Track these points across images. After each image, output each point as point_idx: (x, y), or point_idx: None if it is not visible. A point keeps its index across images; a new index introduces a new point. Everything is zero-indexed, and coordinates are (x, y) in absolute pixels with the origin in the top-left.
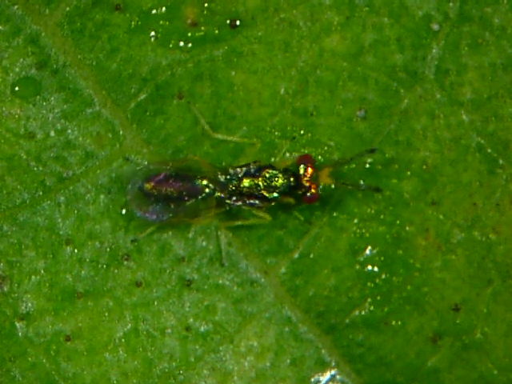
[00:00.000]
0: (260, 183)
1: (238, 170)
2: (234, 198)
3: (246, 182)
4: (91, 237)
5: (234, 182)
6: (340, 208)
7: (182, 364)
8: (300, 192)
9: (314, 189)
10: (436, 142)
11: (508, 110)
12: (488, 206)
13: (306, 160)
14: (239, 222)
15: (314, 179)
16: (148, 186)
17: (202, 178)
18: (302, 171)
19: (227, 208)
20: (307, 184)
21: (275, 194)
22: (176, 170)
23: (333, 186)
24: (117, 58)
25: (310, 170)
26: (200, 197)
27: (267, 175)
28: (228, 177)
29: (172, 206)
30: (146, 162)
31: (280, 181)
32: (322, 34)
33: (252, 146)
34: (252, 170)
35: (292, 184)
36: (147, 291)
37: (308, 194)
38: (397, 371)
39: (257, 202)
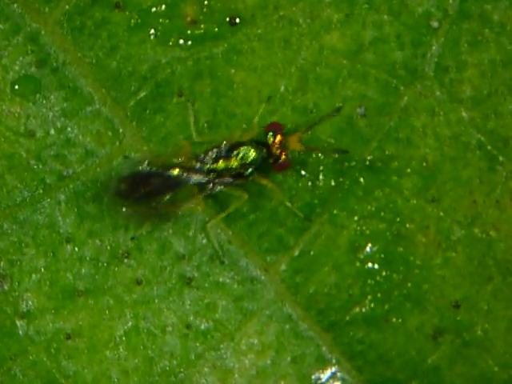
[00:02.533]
0: (234, 162)
1: (210, 153)
2: (212, 182)
3: (220, 164)
4: (91, 235)
5: (209, 166)
6: (340, 205)
7: (182, 362)
8: (271, 161)
9: (285, 155)
10: (436, 139)
11: (508, 106)
12: (488, 203)
13: (274, 128)
14: (222, 215)
15: (284, 146)
16: (124, 186)
17: (173, 168)
18: (271, 139)
19: (209, 192)
20: (277, 152)
21: (250, 169)
22: (149, 166)
23: (302, 153)
24: (116, 56)
25: (278, 137)
26: (178, 188)
27: (240, 154)
28: (201, 162)
29: (153, 202)
30: (127, 156)
31: (253, 155)
32: (321, 31)
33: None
34: (224, 151)
35: (265, 155)
36: (147, 289)
37: (279, 162)
38: (397, 368)
39: (234, 180)
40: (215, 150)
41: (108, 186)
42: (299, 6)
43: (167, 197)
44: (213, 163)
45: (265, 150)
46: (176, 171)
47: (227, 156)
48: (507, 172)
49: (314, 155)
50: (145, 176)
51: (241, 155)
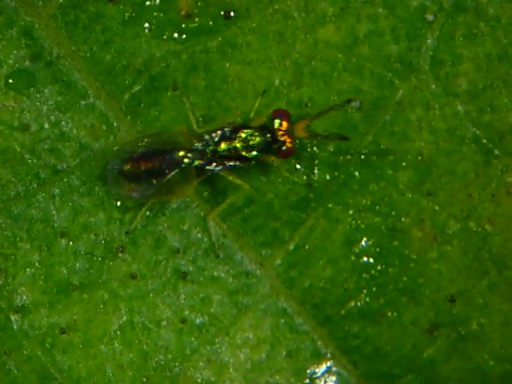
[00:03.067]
0: (237, 145)
1: (214, 134)
2: (214, 164)
3: (223, 145)
4: (86, 229)
5: (212, 148)
6: (335, 199)
7: (177, 356)
8: (275, 147)
9: (290, 143)
10: (431, 132)
11: (503, 100)
12: (484, 196)
13: (281, 114)
14: (223, 205)
15: (289, 133)
16: (126, 166)
17: (179, 150)
18: (276, 125)
19: (209, 174)
20: (282, 138)
21: (254, 153)
22: (151, 145)
23: (307, 140)
24: (111, 49)
25: (284, 124)
26: (180, 168)
27: (243, 135)
28: (204, 143)
29: (154, 182)
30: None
31: (257, 138)
32: (316, 24)
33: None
34: (228, 133)
35: (269, 140)
36: (142, 283)
37: (283, 148)
38: (393, 362)
39: (237, 163)
40: (219, 132)
41: (110, 164)
42: None
43: (168, 176)
44: (215, 145)
45: (269, 135)
46: (181, 152)
47: (230, 137)
48: (503, 166)
49: (308, 149)
50: (149, 154)
51: (244, 137)
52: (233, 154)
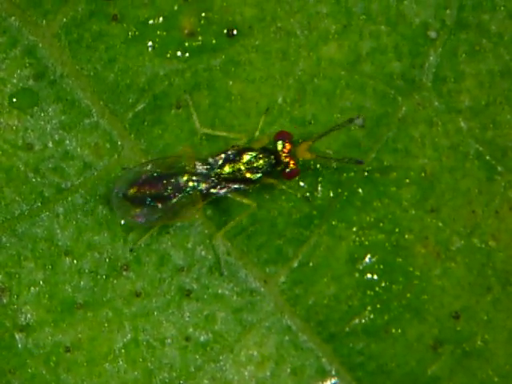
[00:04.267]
0: (242, 167)
1: (217, 157)
2: (219, 187)
3: (227, 168)
4: (90, 247)
5: (216, 171)
6: (339, 216)
7: (182, 374)
8: (279, 168)
9: (293, 164)
10: (434, 149)
11: (506, 116)
12: (487, 213)
13: (283, 136)
14: (231, 224)
15: (293, 154)
16: (132, 190)
17: (183, 174)
18: (279, 147)
19: (214, 197)
20: (286, 160)
21: (258, 175)
22: (156, 169)
23: (312, 162)
24: (114, 68)
25: (287, 146)
26: (185, 192)
27: (247, 157)
28: (208, 166)
29: (159, 206)
30: (125, 167)
31: (261, 161)
32: (319, 42)
33: (239, 140)
34: (231, 156)
35: (273, 162)
36: (147, 301)
37: (287, 170)
38: (397, 379)
39: (242, 185)
40: (223, 155)
41: (115, 189)
42: (297, 17)
43: (174, 201)
44: (220, 168)
45: (273, 157)
46: (186, 177)
47: (234, 160)
48: (506, 182)
49: (312, 166)
50: (154, 178)
51: (248, 159)
52: (237, 177)
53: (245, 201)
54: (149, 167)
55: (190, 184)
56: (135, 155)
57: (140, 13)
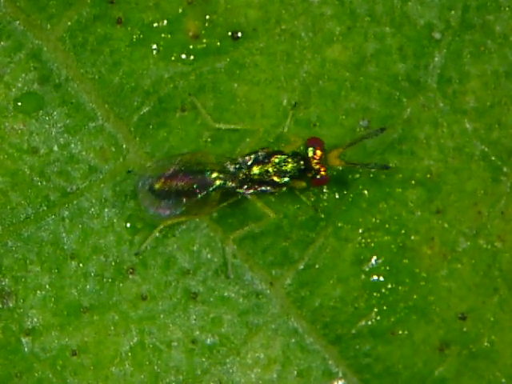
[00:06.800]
0: (270, 169)
1: (247, 158)
2: (245, 187)
3: (255, 170)
4: (96, 251)
5: (244, 171)
6: (344, 218)
7: (188, 377)
8: (310, 175)
9: (324, 171)
10: (440, 150)
11: (511, 117)
12: (493, 214)
13: (315, 142)
14: (245, 229)
15: (324, 161)
16: (158, 183)
17: (212, 171)
18: (310, 154)
19: (239, 197)
20: (317, 166)
21: (286, 179)
22: (184, 164)
23: (341, 168)
24: (119, 71)
25: (318, 153)
26: (211, 189)
27: (277, 160)
28: (237, 166)
29: (184, 200)
30: (130, 170)
31: (290, 165)
32: (323, 44)
33: (254, 134)
34: (261, 157)
35: (302, 167)
36: (153, 304)
37: (318, 177)
38: (404, 381)
39: (268, 188)
40: (253, 156)
41: (141, 181)
42: (301, 19)
43: (199, 196)
44: (248, 168)
45: (302, 162)
46: (215, 174)
47: (263, 162)
48: (511, 183)
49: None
50: (181, 172)
51: (277, 162)
52: (264, 179)
53: (266, 210)
54: (177, 161)
55: (217, 182)
56: (140, 158)
57: (144, 16)
